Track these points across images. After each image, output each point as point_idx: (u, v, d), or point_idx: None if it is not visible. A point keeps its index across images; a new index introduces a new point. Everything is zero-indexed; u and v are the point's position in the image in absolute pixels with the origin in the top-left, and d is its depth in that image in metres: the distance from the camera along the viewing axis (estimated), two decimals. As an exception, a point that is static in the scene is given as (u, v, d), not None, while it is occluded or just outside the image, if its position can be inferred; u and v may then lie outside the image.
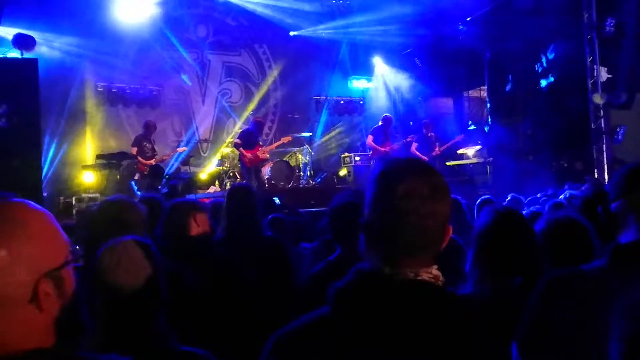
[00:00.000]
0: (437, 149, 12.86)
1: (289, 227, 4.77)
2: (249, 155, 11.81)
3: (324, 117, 16.44)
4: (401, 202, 1.36)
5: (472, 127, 15.08)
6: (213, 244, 3.40)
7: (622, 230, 1.69)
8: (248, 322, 2.95)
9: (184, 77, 14.73)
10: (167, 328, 1.97)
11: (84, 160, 12.54)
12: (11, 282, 1.16)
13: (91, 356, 1.40)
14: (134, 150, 11.53)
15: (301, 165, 14.13)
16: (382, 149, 12.61)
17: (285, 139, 12.79)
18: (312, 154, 14.56)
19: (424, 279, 1.37)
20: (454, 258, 2.51)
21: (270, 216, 4.78)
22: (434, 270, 1.39)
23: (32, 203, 1.27)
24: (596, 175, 11.68)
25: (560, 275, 1.71)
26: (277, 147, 12.96)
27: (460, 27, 14.41)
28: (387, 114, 13.52)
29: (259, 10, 15.32)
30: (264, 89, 16.17)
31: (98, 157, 11.93)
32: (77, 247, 3.54)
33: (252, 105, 15.91)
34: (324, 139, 16.27)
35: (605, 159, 11.88)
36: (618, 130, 11.68)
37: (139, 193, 10.10)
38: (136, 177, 11.35)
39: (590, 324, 1.53)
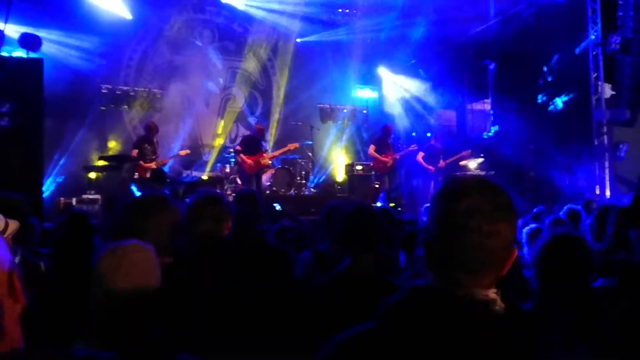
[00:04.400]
0: (442, 161, 12.83)
1: (291, 235, 4.75)
2: (249, 161, 11.82)
3: (327, 125, 16.42)
4: (463, 219, 1.32)
5: (491, 132, 14.83)
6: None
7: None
8: (246, 331, 2.92)
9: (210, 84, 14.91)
10: (161, 334, 1.95)
11: (85, 161, 12.53)
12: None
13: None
14: (134, 152, 11.48)
15: (303, 172, 14.15)
16: (384, 159, 12.59)
17: (291, 146, 12.76)
18: (314, 161, 14.57)
19: (474, 300, 1.32)
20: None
21: (275, 225, 4.77)
22: (491, 293, 1.34)
23: None
24: (597, 192, 11.66)
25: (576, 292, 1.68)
26: (281, 154, 12.95)
27: (462, 38, 14.43)
28: (387, 124, 13.51)
29: (265, 16, 15.35)
30: (268, 95, 16.20)
31: (100, 158, 11.94)
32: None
33: (255, 111, 15.97)
34: (326, 147, 16.24)
35: (607, 176, 11.86)
36: (621, 147, 11.68)
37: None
38: (135, 176, 11.33)
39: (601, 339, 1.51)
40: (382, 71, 16.96)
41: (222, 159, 13.70)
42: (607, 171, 11.91)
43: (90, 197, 11.13)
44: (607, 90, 12.14)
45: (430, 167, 12.67)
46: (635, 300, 1.51)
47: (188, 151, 12.85)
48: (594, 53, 12.12)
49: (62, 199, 11.36)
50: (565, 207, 6.07)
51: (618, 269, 1.64)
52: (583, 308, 1.58)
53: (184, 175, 13.15)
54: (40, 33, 10.82)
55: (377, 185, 13.10)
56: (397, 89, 17.01)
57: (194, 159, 13.78)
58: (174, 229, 2.69)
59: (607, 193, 11.69)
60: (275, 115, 16.22)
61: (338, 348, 1.39)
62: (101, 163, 11.78)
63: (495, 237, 1.32)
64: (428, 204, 5.54)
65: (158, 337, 1.92)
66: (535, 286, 2.52)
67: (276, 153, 12.86)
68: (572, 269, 2.47)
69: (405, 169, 13.96)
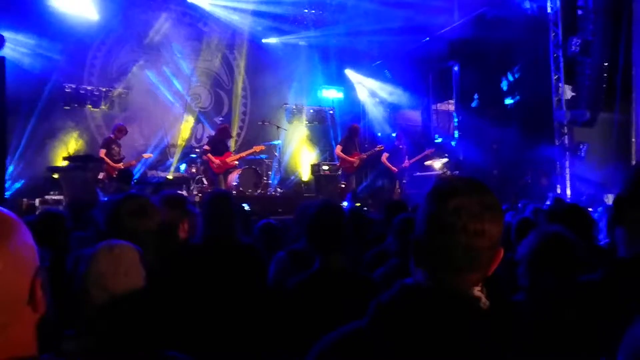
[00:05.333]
0: (406, 161, 12.96)
1: (278, 233, 4.78)
2: (217, 161, 11.81)
3: (293, 125, 16.43)
4: (449, 219, 1.34)
5: (439, 139, 15.22)
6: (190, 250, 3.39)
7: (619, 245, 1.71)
8: (222, 329, 2.94)
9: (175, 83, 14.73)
10: (152, 332, 1.95)
11: (49, 162, 12.33)
12: (14, 282, 1.14)
13: None
14: (102, 152, 11.39)
15: (270, 172, 14.15)
16: (351, 159, 12.67)
17: (257, 148, 12.76)
18: (281, 161, 14.58)
19: (461, 299, 1.34)
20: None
21: (262, 221, 4.79)
22: (476, 292, 1.36)
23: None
24: (559, 191, 11.91)
25: (564, 286, 1.71)
26: (247, 155, 12.93)
27: (427, 39, 14.59)
28: (354, 124, 13.58)
29: (231, 17, 15.31)
30: (234, 95, 16.16)
31: (64, 159, 11.77)
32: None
33: (221, 111, 15.93)
34: (292, 147, 16.26)
35: (568, 175, 12.13)
36: (581, 147, 11.93)
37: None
38: (100, 177, 11.21)
39: (588, 335, 1.54)
40: (348, 72, 17.06)
41: (187, 159, 13.61)
42: (567, 171, 12.17)
43: (54, 197, 10.97)
44: (568, 92, 12.39)
45: (394, 168, 12.79)
46: (622, 294, 1.56)
47: (151, 155, 12.77)
48: (555, 55, 12.37)
49: (25, 199, 11.17)
50: (531, 206, 6.18)
51: (605, 264, 1.68)
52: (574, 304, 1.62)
53: (150, 175, 13.03)
54: (2, 33, 10.63)
55: (343, 185, 13.19)
56: (363, 90, 17.13)
57: (160, 159, 13.67)
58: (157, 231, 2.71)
59: (568, 192, 11.95)
60: (241, 115, 16.19)
61: (332, 348, 1.40)
62: (65, 163, 11.62)
63: (482, 237, 1.34)
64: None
65: (150, 333, 1.92)
66: (524, 283, 2.59)
67: (242, 154, 12.82)
68: (566, 267, 2.54)
69: (373, 169, 14.08)
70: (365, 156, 12.89)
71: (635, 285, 1.56)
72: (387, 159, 12.91)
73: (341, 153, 12.81)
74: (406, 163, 12.93)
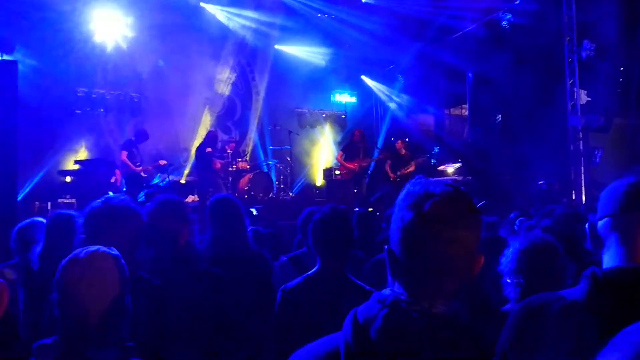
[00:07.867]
0: (403, 169, 12.71)
1: (267, 239, 4.72)
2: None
3: (305, 130, 16.40)
4: (423, 226, 1.28)
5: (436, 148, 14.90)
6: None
7: (605, 252, 1.63)
8: (231, 337, 2.90)
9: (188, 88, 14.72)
10: (129, 341, 1.90)
11: (61, 165, 12.37)
12: None
13: None
14: (124, 154, 11.40)
15: (281, 177, 14.13)
16: (350, 166, 12.57)
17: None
18: (292, 166, 14.55)
19: (437, 312, 1.28)
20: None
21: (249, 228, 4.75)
22: (453, 304, 1.31)
23: None
24: (574, 197, 11.77)
25: (538, 301, 1.65)
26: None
27: (440, 43, 14.51)
28: (357, 129, 13.46)
29: (244, 23, 15.31)
30: (246, 99, 16.16)
31: (76, 162, 11.81)
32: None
33: (234, 116, 15.94)
34: (304, 152, 16.22)
35: (582, 181, 11.98)
36: (596, 152, 11.79)
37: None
38: (112, 180, 11.23)
39: (564, 353, 1.48)
40: (360, 76, 17.02)
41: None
42: (582, 176, 12.03)
43: (66, 201, 10.99)
44: (583, 97, 12.26)
45: (392, 175, 12.64)
46: (605, 309, 1.50)
47: (165, 162, 12.77)
48: (570, 60, 12.25)
49: (37, 203, 11.21)
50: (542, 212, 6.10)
51: (586, 275, 1.60)
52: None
53: (162, 179, 13.04)
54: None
55: (355, 190, 13.11)
56: (375, 93, 17.08)
57: (172, 163, 13.68)
58: (137, 235, 2.63)
59: (583, 198, 11.81)
60: (254, 120, 16.19)
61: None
62: (76, 167, 11.67)
63: (456, 245, 1.29)
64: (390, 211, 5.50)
65: (127, 344, 1.87)
66: (511, 294, 2.54)
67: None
68: (550, 277, 2.48)
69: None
70: (364, 163, 12.79)
71: (616, 298, 1.51)
72: (389, 165, 12.80)
73: (341, 159, 12.77)
74: (403, 171, 12.63)
